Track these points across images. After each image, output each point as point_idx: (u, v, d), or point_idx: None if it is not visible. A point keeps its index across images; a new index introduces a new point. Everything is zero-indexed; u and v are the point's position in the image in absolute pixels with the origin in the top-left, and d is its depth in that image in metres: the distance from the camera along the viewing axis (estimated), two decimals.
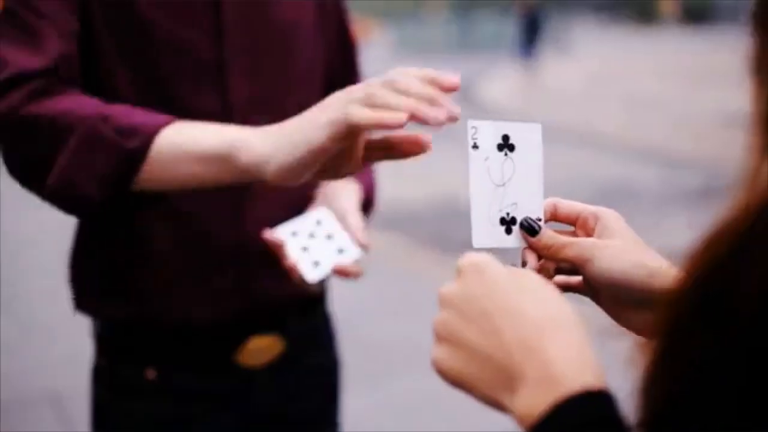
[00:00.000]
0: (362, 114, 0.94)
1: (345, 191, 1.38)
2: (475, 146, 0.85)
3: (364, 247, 1.28)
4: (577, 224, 0.90)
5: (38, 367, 4.19)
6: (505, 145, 0.86)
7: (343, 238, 1.29)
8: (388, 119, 0.92)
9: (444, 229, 6.69)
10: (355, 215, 1.33)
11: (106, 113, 1.17)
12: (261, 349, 1.43)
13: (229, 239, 1.36)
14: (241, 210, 1.36)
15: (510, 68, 20.22)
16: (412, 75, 0.95)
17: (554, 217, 0.90)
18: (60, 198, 1.20)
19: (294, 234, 1.28)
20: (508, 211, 0.88)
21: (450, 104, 0.93)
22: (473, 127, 0.84)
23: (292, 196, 1.39)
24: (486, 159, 0.85)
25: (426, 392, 3.83)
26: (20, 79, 1.20)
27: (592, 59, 23.20)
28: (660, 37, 33.16)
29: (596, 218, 0.87)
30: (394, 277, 5.02)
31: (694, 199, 7.63)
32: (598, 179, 8.63)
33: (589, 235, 0.88)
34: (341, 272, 1.29)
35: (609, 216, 0.87)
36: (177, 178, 1.15)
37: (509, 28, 28.58)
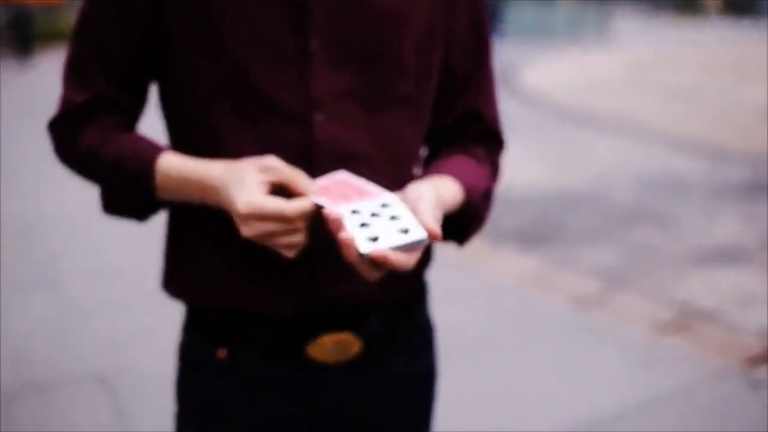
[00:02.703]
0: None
1: (429, 187, 1.27)
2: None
3: (432, 235, 1.15)
4: None
5: (83, 347, 4.16)
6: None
7: (409, 220, 1.17)
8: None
9: (493, 218, 6.61)
10: (428, 203, 1.21)
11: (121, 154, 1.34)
12: (334, 344, 1.39)
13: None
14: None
15: (552, 56, 20.06)
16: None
17: None
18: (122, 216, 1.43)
19: (355, 212, 1.19)
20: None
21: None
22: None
23: None
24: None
25: (473, 383, 3.80)
26: (66, 114, 1.37)
27: (634, 50, 22.99)
28: (702, 29, 32.81)
29: None
30: (443, 267, 4.94)
31: (741, 193, 7.52)
32: (642, 171, 8.53)
33: None
34: (382, 259, 1.12)
35: None
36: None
37: (552, 15, 28.46)
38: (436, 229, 1.16)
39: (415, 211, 1.18)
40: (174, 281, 1.45)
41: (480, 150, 1.48)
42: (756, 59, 18.51)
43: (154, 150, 1.33)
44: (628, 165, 8.82)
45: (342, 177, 1.26)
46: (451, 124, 1.47)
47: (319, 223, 1.22)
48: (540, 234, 6.21)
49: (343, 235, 1.14)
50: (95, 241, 5.55)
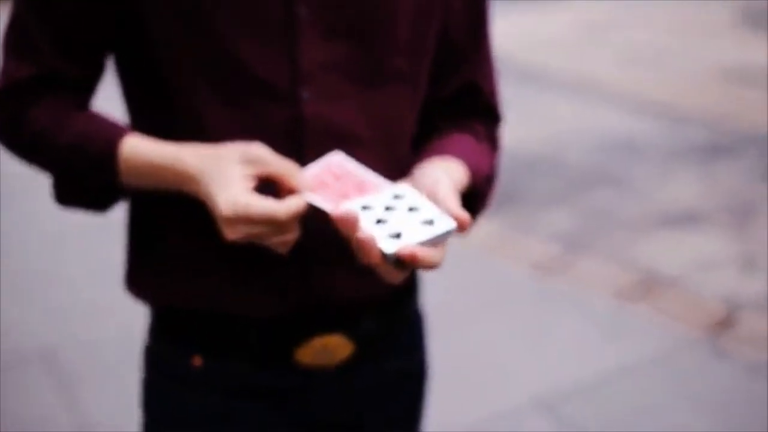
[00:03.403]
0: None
1: (441, 171, 1.14)
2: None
3: (460, 224, 1.02)
4: None
5: (29, 322, 3.96)
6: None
7: (430, 210, 1.03)
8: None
9: None
10: (446, 187, 1.08)
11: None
12: (325, 348, 1.27)
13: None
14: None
15: (505, 12, 19.97)
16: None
17: None
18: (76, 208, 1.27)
19: (365, 208, 1.05)
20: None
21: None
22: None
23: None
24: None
25: (453, 358, 3.67)
26: (9, 90, 1.19)
27: (591, 7, 22.94)
28: None
29: None
30: None
31: (699, 155, 7.50)
32: (598, 132, 8.48)
33: None
34: (410, 258, 0.99)
35: None
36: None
37: None
38: (464, 215, 1.03)
39: (433, 199, 1.06)
40: (140, 280, 1.29)
41: (479, 126, 1.37)
42: (717, 18, 18.56)
43: (117, 130, 1.17)
44: (586, 126, 8.77)
45: (337, 160, 1.13)
46: (448, 98, 1.34)
47: (312, 214, 1.09)
48: (497, 198, 6.13)
49: (360, 235, 0.99)
50: (47, 210, 5.31)
